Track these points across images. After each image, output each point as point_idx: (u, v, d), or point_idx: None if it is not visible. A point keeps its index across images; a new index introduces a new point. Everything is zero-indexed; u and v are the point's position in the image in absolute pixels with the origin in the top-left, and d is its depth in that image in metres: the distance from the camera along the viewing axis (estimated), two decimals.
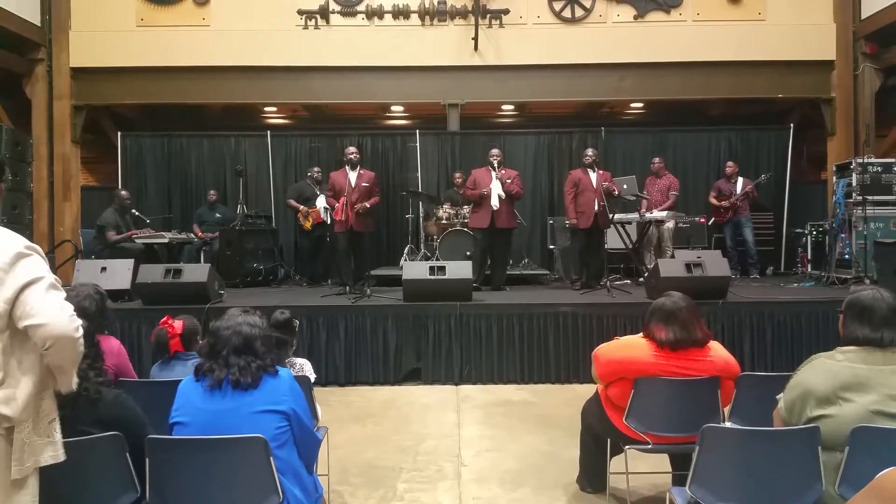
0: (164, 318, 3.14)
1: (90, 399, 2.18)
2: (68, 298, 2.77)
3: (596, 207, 6.87)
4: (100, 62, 8.49)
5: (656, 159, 8.18)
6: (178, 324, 3.10)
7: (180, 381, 2.34)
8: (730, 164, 8.48)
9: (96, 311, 2.86)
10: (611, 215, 7.03)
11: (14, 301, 1.74)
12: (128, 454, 2.19)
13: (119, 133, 9.33)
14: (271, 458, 2.13)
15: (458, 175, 8.51)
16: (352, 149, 7.23)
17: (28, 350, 1.80)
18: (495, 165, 6.95)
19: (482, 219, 6.93)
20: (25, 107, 8.55)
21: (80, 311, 2.73)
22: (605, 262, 7.01)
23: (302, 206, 8.00)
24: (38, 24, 8.36)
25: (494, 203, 6.82)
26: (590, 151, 7.22)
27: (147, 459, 2.17)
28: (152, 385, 2.96)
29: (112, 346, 3.04)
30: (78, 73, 8.58)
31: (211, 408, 2.19)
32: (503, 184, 6.84)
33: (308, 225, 7.94)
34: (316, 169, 8.37)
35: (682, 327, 2.81)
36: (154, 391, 2.80)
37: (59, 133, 8.61)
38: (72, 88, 8.61)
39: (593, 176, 7.01)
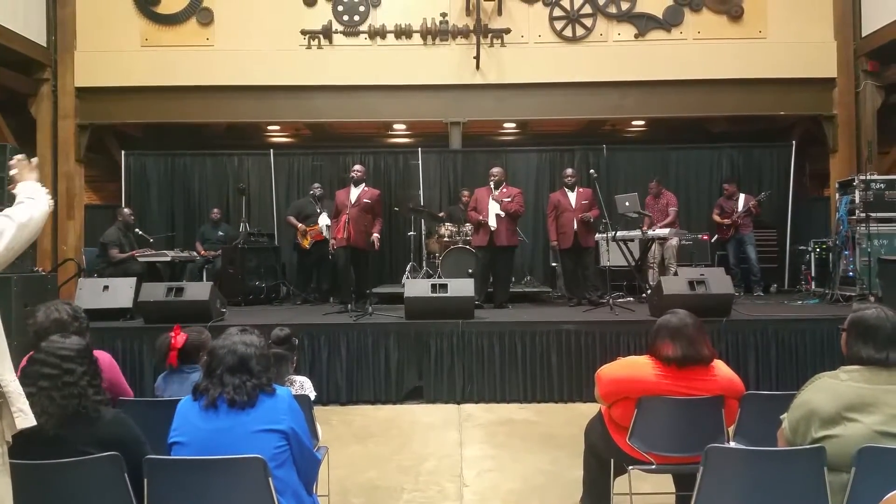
0: (175, 328, 3.14)
1: (89, 418, 2.17)
2: (41, 316, 2.84)
3: (575, 227, 6.94)
4: (104, 82, 8.57)
5: (653, 182, 8.21)
6: (180, 338, 3.10)
7: (179, 399, 2.33)
8: (726, 185, 8.45)
9: (69, 318, 2.87)
10: (613, 233, 7.05)
11: None
12: (126, 474, 2.18)
13: (123, 152, 9.38)
14: (270, 479, 2.11)
15: (465, 193, 8.51)
16: (357, 167, 7.27)
17: None
18: (492, 186, 7.00)
19: (481, 237, 6.99)
20: (30, 126, 8.61)
21: (56, 323, 2.79)
22: (598, 278, 7.02)
23: (300, 225, 7.97)
24: (44, 45, 8.44)
25: (492, 223, 6.86)
26: (569, 171, 7.41)
27: (146, 479, 2.15)
28: (151, 404, 2.95)
29: (103, 360, 3.03)
30: (83, 92, 8.65)
31: (209, 427, 2.18)
32: (500, 203, 6.87)
33: (306, 243, 7.90)
34: (316, 185, 8.33)
35: (689, 344, 2.78)
36: (153, 410, 2.79)
37: (63, 152, 8.66)
38: (76, 108, 8.68)
39: (572, 196, 7.17)
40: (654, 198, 8.11)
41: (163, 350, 3.10)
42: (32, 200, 2.11)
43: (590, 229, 7.14)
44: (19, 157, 2.29)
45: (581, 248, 7.12)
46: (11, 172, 2.27)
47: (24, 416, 1.84)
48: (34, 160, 2.32)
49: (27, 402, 1.86)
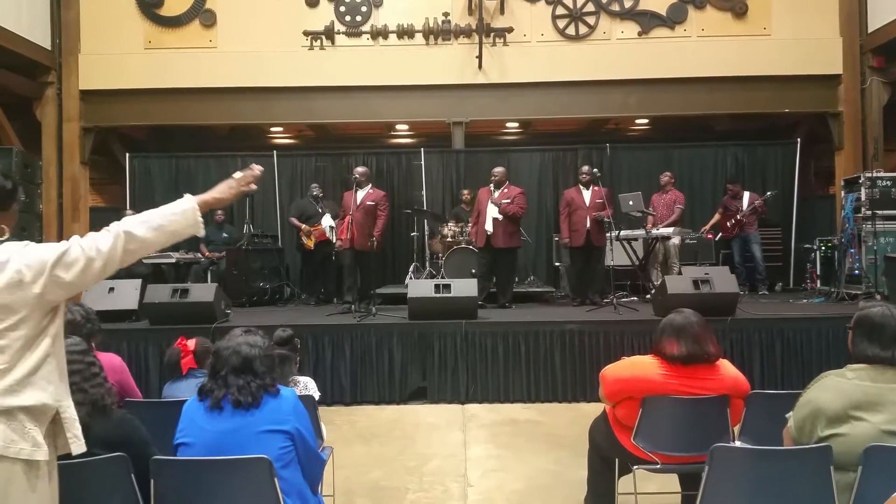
0: (179, 339, 3.16)
1: (94, 420, 2.18)
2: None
3: (588, 225, 6.91)
4: (108, 85, 8.58)
5: (667, 173, 8.14)
6: (190, 342, 3.13)
7: (185, 400, 2.34)
8: (730, 186, 8.36)
9: (82, 319, 2.89)
10: (616, 232, 7.03)
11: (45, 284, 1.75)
12: (133, 475, 2.18)
13: (127, 154, 9.41)
14: (275, 479, 2.11)
15: (465, 192, 8.52)
16: (359, 168, 7.28)
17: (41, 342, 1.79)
18: (491, 187, 7.01)
19: (480, 239, 7.00)
20: (35, 129, 8.63)
21: (69, 324, 2.80)
22: (604, 278, 6.98)
23: (304, 226, 7.98)
24: (49, 48, 8.47)
25: (489, 227, 6.85)
26: (585, 169, 7.37)
27: (152, 480, 2.16)
28: (158, 405, 2.96)
29: (114, 362, 3.06)
30: (87, 95, 8.67)
31: (215, 428, 2.19)
32: (498, 206, 6.87)
33: (310, 244, 7.91)
34: (314, 186, 8.32)
35: (694, 342, 2.77)
36: (160, 411, 2.81)
37: (68, 155, 8.69)
38: (81, 111, 8.70)
39: (587, 194, 7.13)
40: (662, 192, 8.04)
41: (175, 360, 3.11)
42: (118, 234, 1.91)
43: (602, 228, 7.10)
44: (257, 168, 2.00)
45: (592, 247, 7.08)
46: (235, 175, 2.01)
47: (79, 442, 1.82)
48: (250, 187, 2.05)
49: (80, 428, 1.84)
